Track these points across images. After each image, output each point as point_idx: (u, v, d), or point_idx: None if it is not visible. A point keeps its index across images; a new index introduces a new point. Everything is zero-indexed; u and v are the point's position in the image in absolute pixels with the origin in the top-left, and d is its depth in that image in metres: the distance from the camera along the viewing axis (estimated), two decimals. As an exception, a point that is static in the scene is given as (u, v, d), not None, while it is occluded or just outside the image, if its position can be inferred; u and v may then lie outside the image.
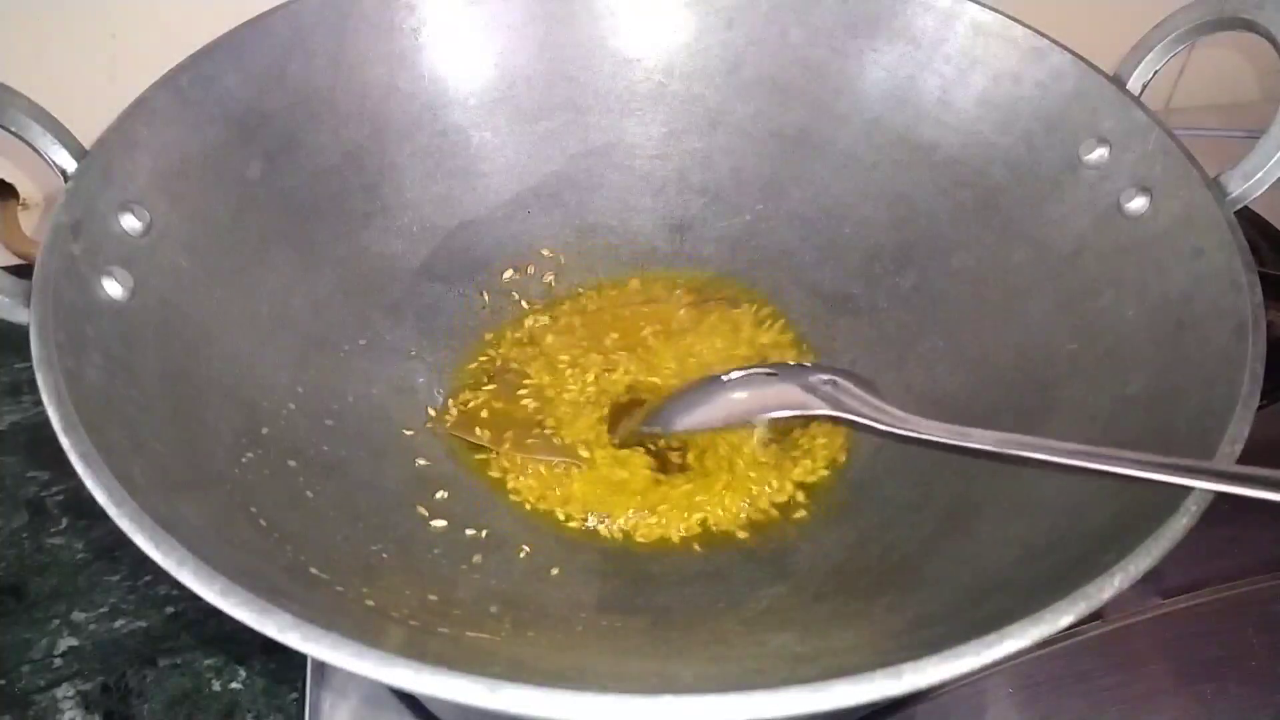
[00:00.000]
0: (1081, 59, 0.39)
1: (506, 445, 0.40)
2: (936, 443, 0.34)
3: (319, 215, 0.41)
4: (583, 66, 0.46)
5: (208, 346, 0.34)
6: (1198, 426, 0.29)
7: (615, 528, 0.38)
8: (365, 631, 0.22)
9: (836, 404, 0.37)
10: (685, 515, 0.38)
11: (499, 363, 0.44)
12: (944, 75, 0.43)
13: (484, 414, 0.41)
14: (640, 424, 0.41)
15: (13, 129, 0.32)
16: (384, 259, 0.43)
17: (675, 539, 0.38)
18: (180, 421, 0.31)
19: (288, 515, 0.32)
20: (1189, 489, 0.26)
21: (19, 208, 0.57)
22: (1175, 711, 0.36)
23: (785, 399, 0.38)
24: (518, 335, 0.45)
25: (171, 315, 0.33)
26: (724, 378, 0.40)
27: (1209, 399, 0.29)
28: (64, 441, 0.25)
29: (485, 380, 0.43)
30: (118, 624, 0.41)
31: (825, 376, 0.39)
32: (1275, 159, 0.34)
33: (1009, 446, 0.31)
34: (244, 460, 0.32)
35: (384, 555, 0.33)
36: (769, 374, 0.39)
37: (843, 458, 0.40)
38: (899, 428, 0.35)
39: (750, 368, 0.41)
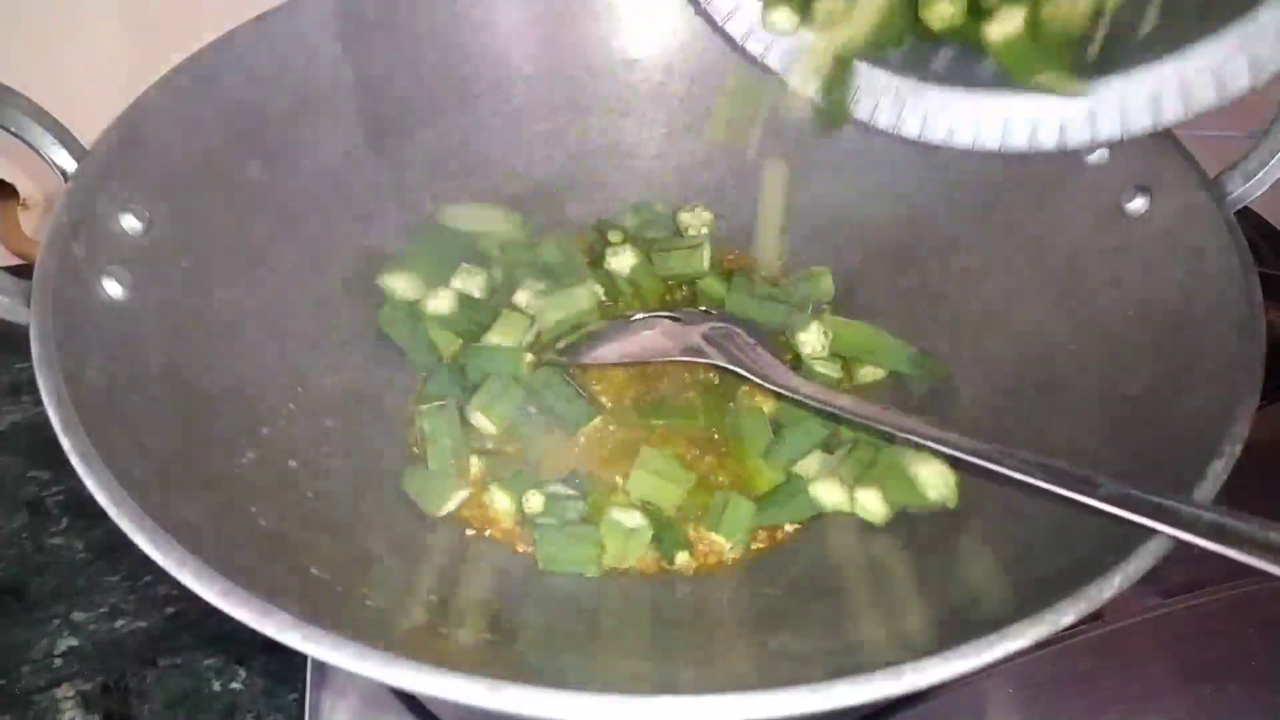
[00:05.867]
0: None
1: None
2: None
3: (319, 215, 0.41)
4: (583, 66, 0.46)
5: (208, 346, 0.34)
6: (1198, 426, 0.29)
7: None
8: (365, 631, 0.22)
9: (731, 358, 0.39)
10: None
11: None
12: (944, 75, 0.43)
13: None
14: (553, 353, 0.42)
15: (13, 129, 0.32)
16: (384, 259, 0.43)
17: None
18: (180, 421, 0.31)
19: (288, 515, 0.32)
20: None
21: (19, 208, 0.57)
22: (1175, 711, 0.36)
23: (685, 346, 0.40)
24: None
25: (171, 315, 0.33)
26: (632, 317, 0.42)
27: (1209, 399, 0.29)
28: (64, 441, 0.25)
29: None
30: (118, 624, 0.41)
31: (719, 325, 0.41)
32: (1275, 159, 0.34)
33: (876, 420, 0.34)
34: (244, 460, 0.32)
35: (384, 555, 0.33)
36: (673, 318, 0.41)
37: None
38: (776, 385, 0.37)
39: (656, 312, 0.42)
